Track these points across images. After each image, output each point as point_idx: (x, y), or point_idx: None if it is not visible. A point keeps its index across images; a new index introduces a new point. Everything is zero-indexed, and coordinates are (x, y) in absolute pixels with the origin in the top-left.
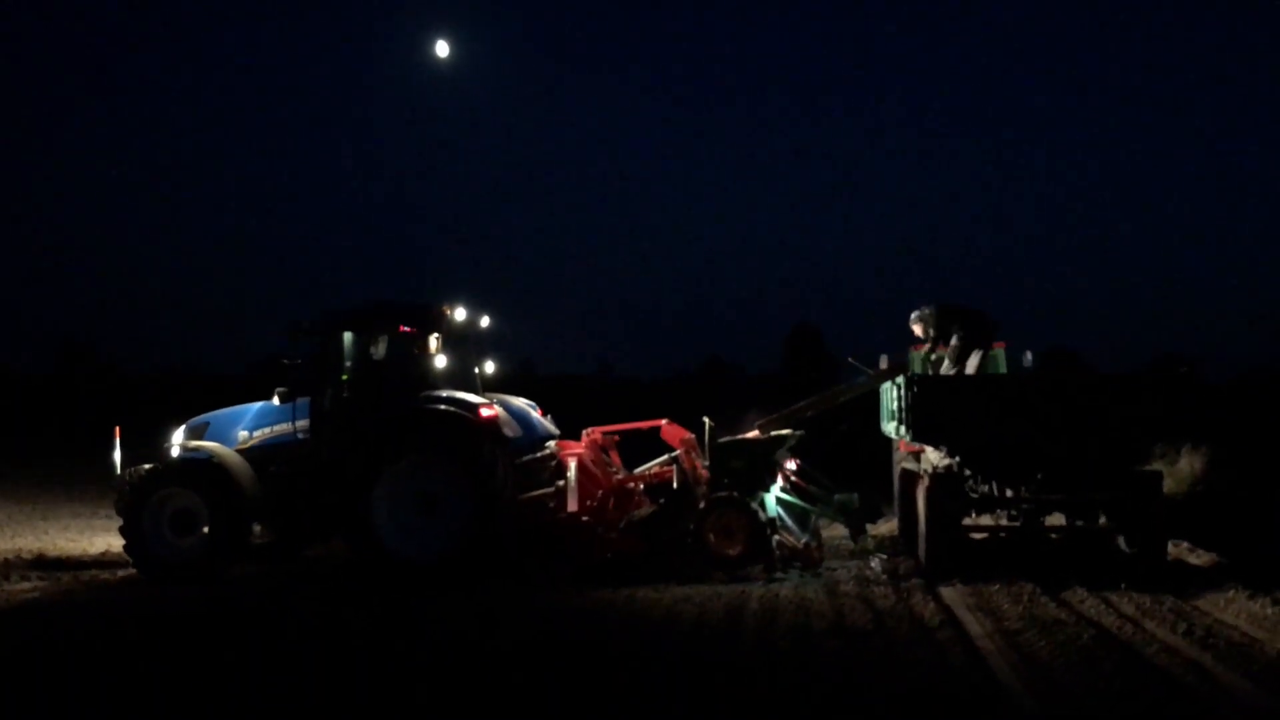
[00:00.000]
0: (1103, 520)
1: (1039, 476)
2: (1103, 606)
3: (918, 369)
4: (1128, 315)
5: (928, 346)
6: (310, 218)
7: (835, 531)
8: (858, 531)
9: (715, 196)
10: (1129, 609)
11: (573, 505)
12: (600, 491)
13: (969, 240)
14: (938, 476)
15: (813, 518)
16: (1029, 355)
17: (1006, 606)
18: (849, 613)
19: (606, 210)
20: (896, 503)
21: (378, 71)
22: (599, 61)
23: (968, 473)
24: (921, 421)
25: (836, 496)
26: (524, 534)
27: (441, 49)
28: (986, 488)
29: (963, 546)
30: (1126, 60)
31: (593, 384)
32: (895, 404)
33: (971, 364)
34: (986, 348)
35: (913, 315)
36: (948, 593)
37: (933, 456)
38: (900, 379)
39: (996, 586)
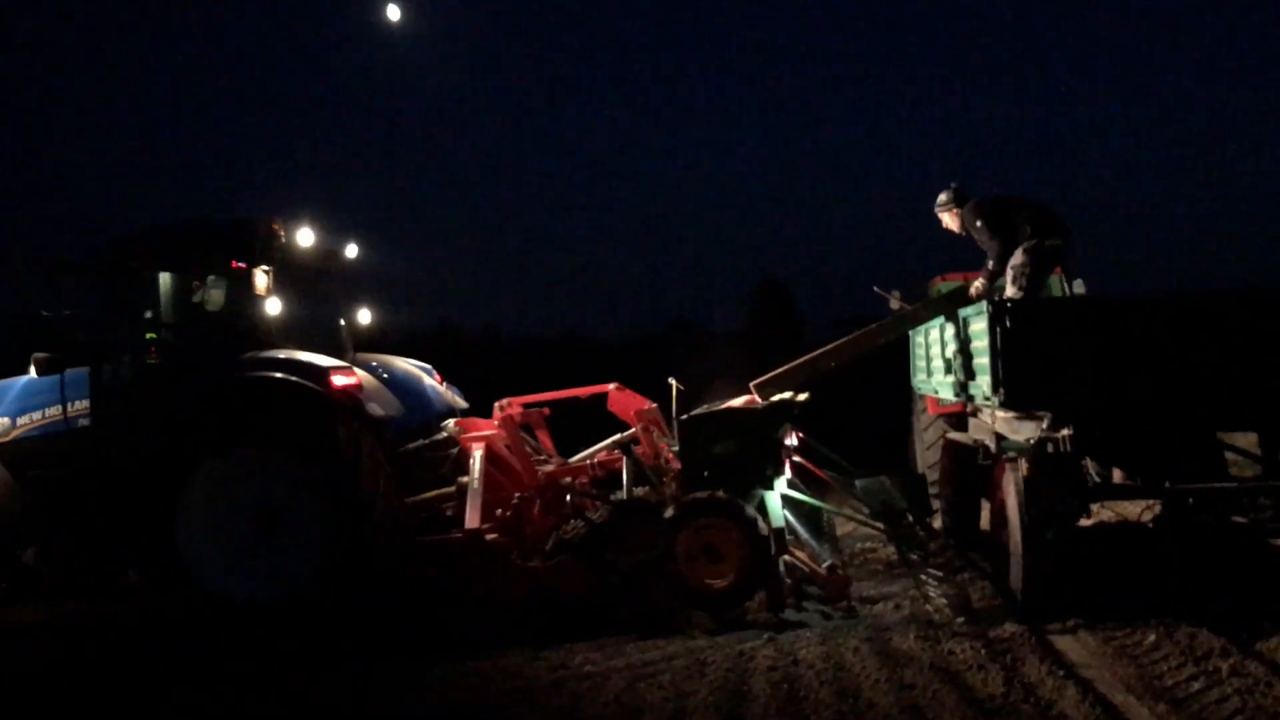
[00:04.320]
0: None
1: (1204, 454)
2: None
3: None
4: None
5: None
6: (268, 162)
7: (849, 530)
8: (909, 539)
9: (674, 151)
10: None
11: (474, 518)
12: (518, 494)
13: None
14: (1044, 460)
15: (825, 519)
16: (1081, 283)
17: (1196, 686)
18: (928, 708)
19: (567, 169)
20: (941, 489)
21: (332, 30)
22: (551, 14)
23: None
24: (1022, 375)
25: (859, 483)
26: (407, 557)
27: (393, 13)
28: (1111, 473)
29: (1077, 564)
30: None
31: (559, 348)
32: (956, 349)
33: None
34: (1064, 261)
35: (941, 198)
36: (1072, 650)
37: (1001, 424)
38: (981, 309)
39: (1150, 638)
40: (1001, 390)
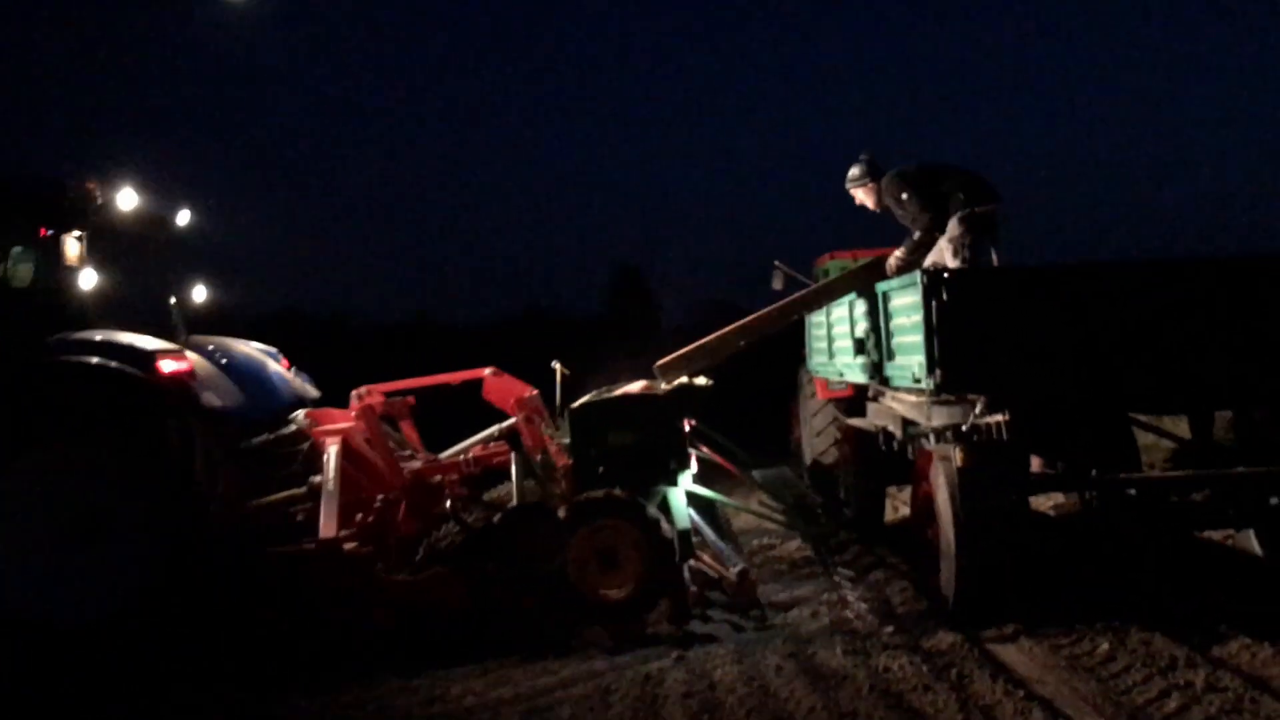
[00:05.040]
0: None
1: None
2: None
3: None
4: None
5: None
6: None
7: (745, 523)
8: (825, 537)
9: (524, 134)
10: None
11: (329, 523)
12: (381, 496)
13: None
14: (982, 449)
15: (721, 513)
16: (994, 255)
17: (1172, 704)
18: None
19: (414, 147)
20: (842, 479)
21: None
22: None
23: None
24: (961, 354)
25: (756, 474)
26: (251, 571)
27: None
28: (1052, 461)
29: (1019, 563)
30: None
31: (411, 333)
32: (869, 327)
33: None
34: (994, 229)
35: (853, 172)
36: (1020, 663)
37: (910, 409)
38: (913, 281)
39: (1102, 646)
40: (938, 371)
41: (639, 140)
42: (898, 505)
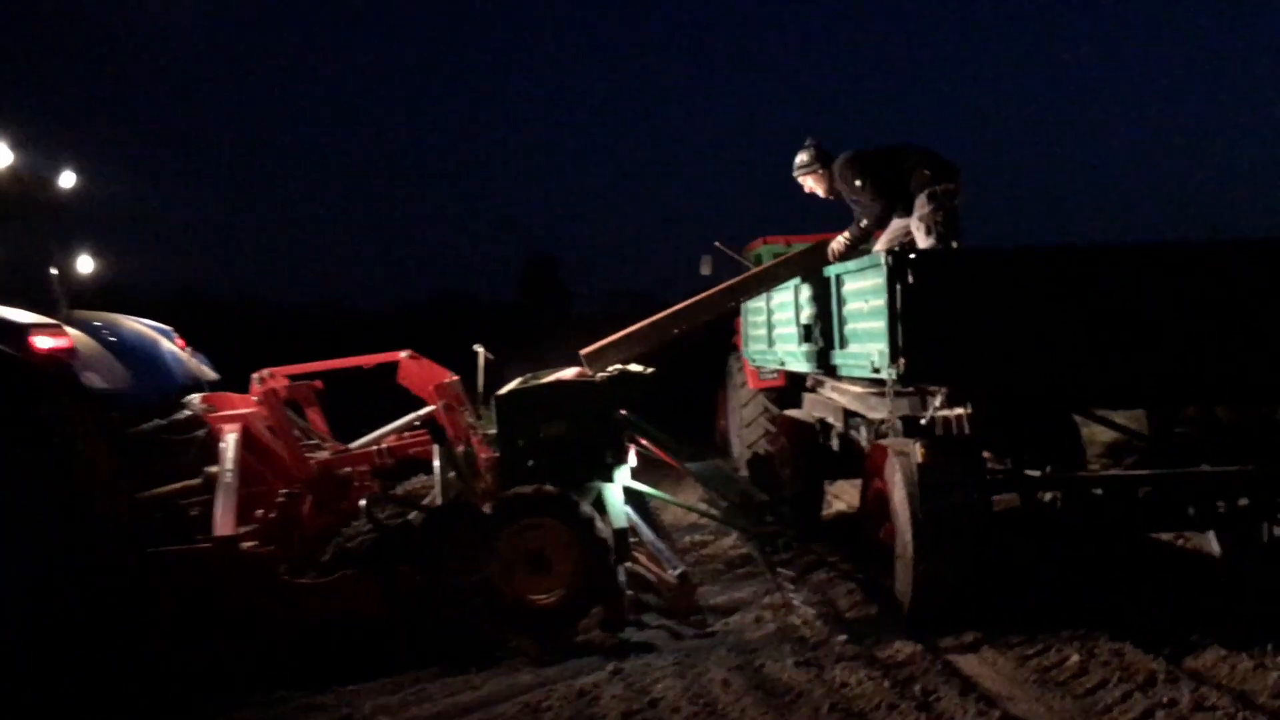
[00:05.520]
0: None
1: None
2: None
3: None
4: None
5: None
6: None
7: (673, 517)
8: (771, 538)
9: (438, 118)
10: None
11: (227, 519)
12: (284, 489)
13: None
14: (944, 445)
15: (651, 507)
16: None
17: None
18: None
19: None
20: (779, 473)
21: None
22: None
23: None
24: (928, 343)
25: (690, 467)
26: (138, 572)
27: None
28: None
29: (981, 566)
30: None
31: (317, 318)
32: (815, 313)
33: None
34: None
35: (800, 159)
36: (986, 676)
37: (847, 399)
38: (876, 262)
39: (1071, 657)
40: (901, 361)
41: (554, 127)
42: (831, 500)
